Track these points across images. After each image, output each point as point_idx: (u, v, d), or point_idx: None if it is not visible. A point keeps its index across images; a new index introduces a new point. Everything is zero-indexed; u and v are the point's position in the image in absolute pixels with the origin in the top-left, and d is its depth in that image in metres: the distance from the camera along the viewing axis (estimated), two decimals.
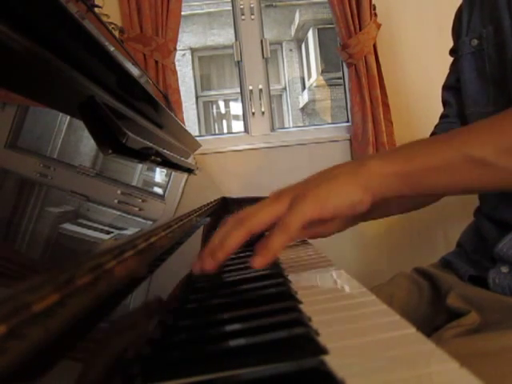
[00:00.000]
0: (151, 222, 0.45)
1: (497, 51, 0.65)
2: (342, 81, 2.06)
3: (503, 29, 0.63)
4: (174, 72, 1.72)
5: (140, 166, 0.51)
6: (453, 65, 0.80)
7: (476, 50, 0.69)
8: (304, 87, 7.06)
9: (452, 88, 0.78)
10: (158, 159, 0.54)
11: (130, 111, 0.53)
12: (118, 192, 0.42)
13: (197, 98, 6.42)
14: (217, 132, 7.00)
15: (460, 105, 0.75)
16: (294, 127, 4.51)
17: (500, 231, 0.62)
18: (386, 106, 1.78)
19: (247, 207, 0.44)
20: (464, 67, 0.71)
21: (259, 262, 0.39)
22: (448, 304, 0.60)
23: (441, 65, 0.94)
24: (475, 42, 0.69)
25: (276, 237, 0.39)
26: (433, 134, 0.81)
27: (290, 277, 0.44)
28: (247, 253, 0.51)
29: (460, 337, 0.52)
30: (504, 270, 0.59)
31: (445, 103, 0.81)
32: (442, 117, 0.81)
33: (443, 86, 0.81)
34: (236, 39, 1.91)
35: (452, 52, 0.80)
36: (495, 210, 0.66)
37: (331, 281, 0.42)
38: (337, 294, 0.38)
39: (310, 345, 0.26)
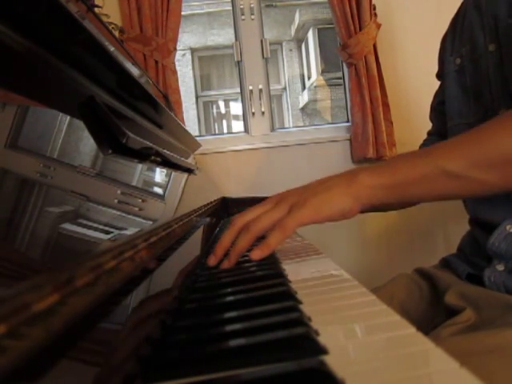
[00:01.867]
0: (151, 222, 0.45)
1: (474, 67, 0.72)
2: (342, 81, 2.05)
3: (478, 46, 0.70)
4: (174, 72, 1.72)
5: (140, 166, 0.51)
6: (440, 88, 0.88)
7: (459, 68, 0.75)
8: (304, 87, 7.06)
9: (434, 109, 0.89)
10: (158, 159, 0.54)
11: (130, 111, 0.53)
12: (118, 192, 0.42)
13: (197, 97, 6.42)
14: (217, 132, 7.00)
15: (439, 124, 0.85)
16: (293, 127, 4.51)
17: (488, 232, 0.64)
18: (385, 106, 1.78)
19: (251, 208, 0.53)
20: (450, 84, 0.78)
21: (258, 254, 0.47)
22: (446, 302, 0.62)
23: None
24: (458, 60, 0.75)
25: (275, 236, 0.47)
26: (419, 147, 0.90)
27: (290, 277, 0.44)
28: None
29: (456, 335, 0.53)
30: (499, 268, 0.61)
31: (431, 121, 0.91)
32: (428, 134, 0.92)
33: (430, 105, 0.91)
34: (236, 39, 1.91)
35: (437, 76, 0.88)
36: (478, 215, 0.70)
37: (332, 281, 0.42)
38: (337, 294, 0.38)
39: (310, 345, 0.26)
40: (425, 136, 0.93)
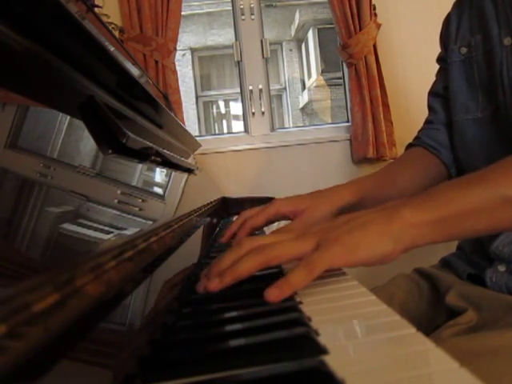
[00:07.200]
0: (151, 222, 0.45)
1: (485, 59, 0.67)
2: (342, 81, 2.06)
3: (491, 37, 0.65)
4: (174, 72, 1.72)
5: (140, 166, 0.51)
6: (439, 72, 0.81)
7: (465, 58, 0.70)
8: (304, 87, 7.06)
9: (438, 95, 0.79)
10: (158, 159, 0.54)
11: (130, 111, 0.53)
12: (118, 192, 0.42)
13: (197, 98, 6.41)
14: (217, 132, 7.00)
15: (446, 112, 0.76)
16: (293, 127, 4.51)
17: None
18: (385, 106, 1.78)
19: (268, 236, 0.44)
20: (453, 75, 0.72)
21: (276, 295, 0.34)
22: (447, 302, 0.61)
23: None
24: (464, 50, 0.70)
25: (300, 274, 0.36)
26: (416, 138, 0.82)
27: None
28: None
29: (458, 336, 0.52)
30: (501, 268, 0.61)
31: (430, 109, 0.81)
32: (427, 122, 0.82)
33: (429, 91, 0.82)
34: (236, 39, 1.91)
35: (439, 60, 0.81)
36: None
37: (331, 281, 0.42)
38: (337, 294, 0.38)
39: (310, 345, 0.26)
40: None
